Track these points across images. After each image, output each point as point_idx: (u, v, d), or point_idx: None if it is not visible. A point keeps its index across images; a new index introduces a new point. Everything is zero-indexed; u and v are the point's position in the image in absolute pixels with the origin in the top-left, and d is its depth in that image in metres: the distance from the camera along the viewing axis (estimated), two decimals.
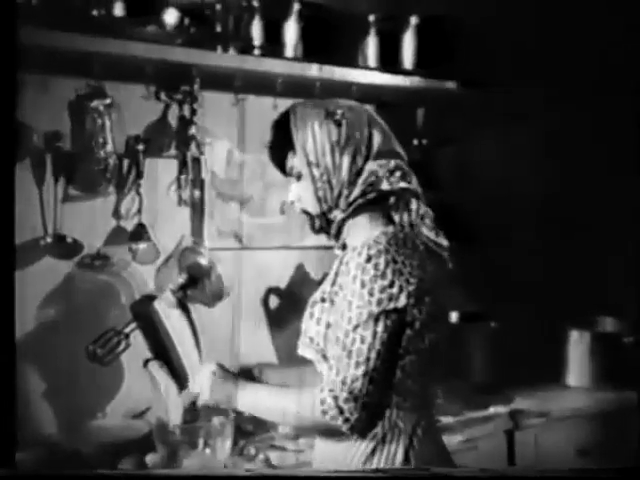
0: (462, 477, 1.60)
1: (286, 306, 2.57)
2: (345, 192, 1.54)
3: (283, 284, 2.57)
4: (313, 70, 2.37)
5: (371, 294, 1.44)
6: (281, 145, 1.60)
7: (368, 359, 1.44)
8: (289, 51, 2.32)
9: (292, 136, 1.56)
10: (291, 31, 2.32)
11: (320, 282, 2.52)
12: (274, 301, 2.56)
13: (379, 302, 1.44)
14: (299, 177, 1.58)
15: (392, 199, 1.57)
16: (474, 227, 2.72)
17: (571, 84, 2.81)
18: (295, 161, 1.58)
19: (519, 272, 2.82)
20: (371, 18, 2.50)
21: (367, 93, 2.50)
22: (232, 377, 1.63)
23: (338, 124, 1.54)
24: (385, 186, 1.54)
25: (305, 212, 1.61)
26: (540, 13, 2.75)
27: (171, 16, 2.05)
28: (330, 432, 1.51)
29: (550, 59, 2.81)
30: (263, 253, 2.52)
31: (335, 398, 1.44)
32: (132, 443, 1.96)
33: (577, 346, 2.77)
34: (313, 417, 1.49)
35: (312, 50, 2.37)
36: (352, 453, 1.51)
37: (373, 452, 1.50)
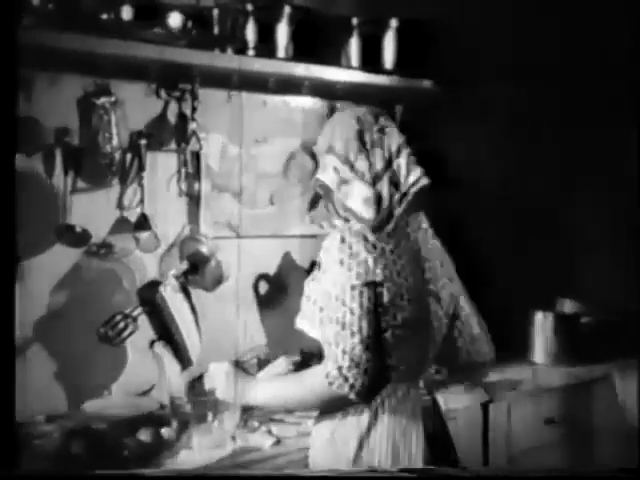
0: (462, 477, 1.72)
1: (274, 291, 2.73)
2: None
3: (272, 271, 2.73)
4: (302, 69, 2.52)
5: (350, 270, 1.62)
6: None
7: (361, 328, 1.60)
8: (280, 52, 2.46)
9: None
10: (282, 33, 2.46)
11: (309, 270, 2.73)
12: (263, 286, 2.71)
13: (358, 276, 1.62)
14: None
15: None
16: (447, 217, 2.90)
17: (537, 82, 3.03)
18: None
19: (490, 259, 3.01)
20: (354, 21, 2.66)
21: (350, 91, 2.67)
22: (243, 375, 1.80)
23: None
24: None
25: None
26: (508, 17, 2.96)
27: (175, 19, 2.17)
28: (331, 409, 1.68)
29: (517, 59, 3.03)
30: (254, 241, 2.67)
31: (339, 368, 1.59)
32: (141, 418, 2.09)
33: (541, 326, 2.96)
34: (319, 394, 1.64)
35: (301, 51, 2.51)
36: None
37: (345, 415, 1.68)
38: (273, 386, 1.80)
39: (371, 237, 1.66)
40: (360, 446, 1.66)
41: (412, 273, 1.70)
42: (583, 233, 3.20)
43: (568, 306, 3.13)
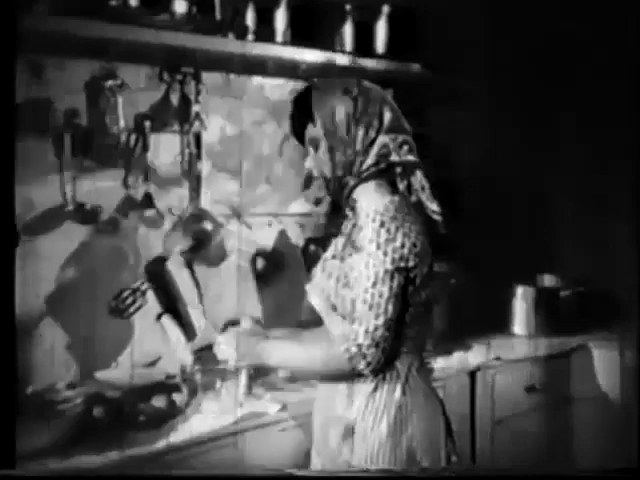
0: (462, 477, 1.80)
1: (270, 267, 2.84)
2: (359, 160, 1.75)
3: (268, 247, 2.84)
4: (298, 53, 2.62)
5: (385, 254, 1.67)
6: (301, 117, 1.81)
7: (386, 310, 1.67)
8: (279, 37, 2.57)
9: (312, 109, 1.76)
10: (281, 19, 2.56)
11: (304, 247, 2.85)
12: (260, 263, 2.83)
13: (392, 261, 1.67)
14: (316, 147, 1.79)
15: (399, 169, 1.78)
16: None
17: (522, 69, 3.17)
18: (314, 131, 1.78)
19: (475, 236, 3.15)
20: (347, 7, 2.77)
21: (344, 74, 2.78)
22: (256, 337, 1.84)
23: (354, 99, 1.74)
24: (394, 158, 1.76)
25: (321, 178, 1.81)
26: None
27: (180, 5, 2.26)
28: (340, 379, 1.75)
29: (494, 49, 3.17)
30: (252, 219, 2.78)
31: (359, 346, 1.66)
32: (152, 386, 2.20)
33: (522, 300, 3.12)
34: (333, 365, 1.71)
35: (299, 35, 2.62)
36: (356, 391, 1.75)
37: (375, 389, 1.74)
38: (288, 350, 1.82)
39: (407, 222, 1.70)
40: (395, 420, 1.73)
41: (429, 252, 1.77)
42: (561, 213, 3.36)
43: (547, 281, 3.29)
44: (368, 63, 2.82)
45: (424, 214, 1.80)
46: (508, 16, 3.06)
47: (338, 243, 1.82)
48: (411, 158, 1.79)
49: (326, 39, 2.74)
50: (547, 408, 2.88)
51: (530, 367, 2.87)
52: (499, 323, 3.11)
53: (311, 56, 2.66)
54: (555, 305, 3.12)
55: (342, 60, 2.76)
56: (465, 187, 3.19)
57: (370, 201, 1.76)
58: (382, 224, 1.70)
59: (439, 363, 2.60)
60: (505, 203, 3.29)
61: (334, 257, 1.80)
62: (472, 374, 2.68)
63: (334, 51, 2.75)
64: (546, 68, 3.18)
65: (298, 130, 1.85)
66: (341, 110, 1.74)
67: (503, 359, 2.79)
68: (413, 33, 2.89)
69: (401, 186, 1.80)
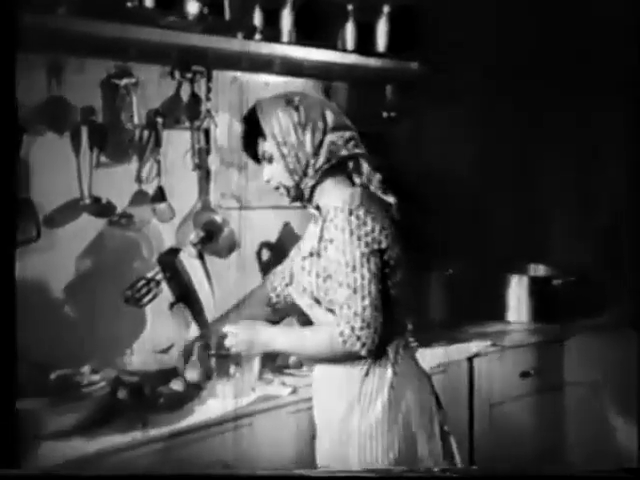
0: (461, 477, 1.87)
1: (276, 257, 2.95)
2: (312, 161, 1.88)
3: (273, 239, 2.95)
4: (302, 52, 2.72)
5: (359, 239, 1.81)
6: (252, 135, 1.95)
7: (370, 291, 1.79)
8: (285, 36, 2.67)
9: (261, 125, 1.90)
10: (286, 19, 2.66)
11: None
12: (265, 254, 2.94)
13: (367, 244, 1.81)
14: (270, 159, 1.93)
15: (350, 164, 1.93)
16: (425, 190, 3.13)
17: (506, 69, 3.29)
18: (266, 145, 1.92)
19: (471, 228, 3.28)
20: (349, 7, 2.87)
21: (346, 72, 2.89)
22: (260, 329, 1.97)
23: (296, 108, 1.89)
24: (343, 152, 1.90)
25: (281, 187, 1.94)
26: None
27: (193, 7, 2.36)
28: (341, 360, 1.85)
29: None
30: (258, 212, 2.88)
31: (352, 328, 1.78)
32: (168, 371, 2.31)
33: (516, 288, 3.25)
34: (332, 349, 1.83)
35: (303, 35, 2.72)
36: (349, 375, 1.86)
37: (367, 374, 1.86)
38: (291, 337, 1.96)
39: (373, 208, 1.84)
40: (389, 400, 1.85)
41: (399, 237, 1.91)
42: (553, 205, 3.48)
43: (541, 270, 3.41)
44: (369, 61, 2.92)
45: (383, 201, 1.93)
46: (508, 15, 3.16)
47: (313, 241, 1.93)
48: (359, 151, 1.93)
49: (329, 38, 2.84)
50: (540, 393, 3.00)
51: (524, 353, 2.99)
52: (494, 311, 3.22)
53: (315, 55, 2.76)
54: (548, 293, 3.23)
55: (344, 58, 2.86)
56: (461, 181, 3.31)
57: (333, 196, 1.90)
58: (350, 212, 1.82)
59: (439, 350, 2.73)
60: (499, 196, 3.41)
61: (311, 255, 1.92)
62: (470, 360, 2.79)
63: (336, 49, 2.85)
64: (543, 68, 3.29)
65: (251, 147, 1.98)
66: (286, 119, 1.88)
67: (499, 345, 2.91)
68: (413, 32, 2.99)
69: (357, 180, 1.94)
